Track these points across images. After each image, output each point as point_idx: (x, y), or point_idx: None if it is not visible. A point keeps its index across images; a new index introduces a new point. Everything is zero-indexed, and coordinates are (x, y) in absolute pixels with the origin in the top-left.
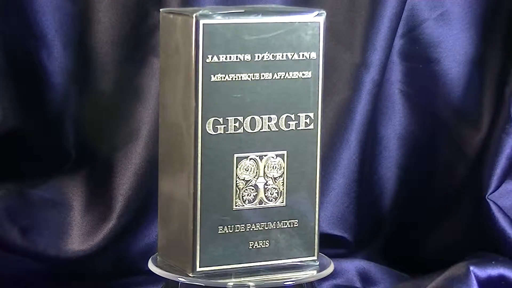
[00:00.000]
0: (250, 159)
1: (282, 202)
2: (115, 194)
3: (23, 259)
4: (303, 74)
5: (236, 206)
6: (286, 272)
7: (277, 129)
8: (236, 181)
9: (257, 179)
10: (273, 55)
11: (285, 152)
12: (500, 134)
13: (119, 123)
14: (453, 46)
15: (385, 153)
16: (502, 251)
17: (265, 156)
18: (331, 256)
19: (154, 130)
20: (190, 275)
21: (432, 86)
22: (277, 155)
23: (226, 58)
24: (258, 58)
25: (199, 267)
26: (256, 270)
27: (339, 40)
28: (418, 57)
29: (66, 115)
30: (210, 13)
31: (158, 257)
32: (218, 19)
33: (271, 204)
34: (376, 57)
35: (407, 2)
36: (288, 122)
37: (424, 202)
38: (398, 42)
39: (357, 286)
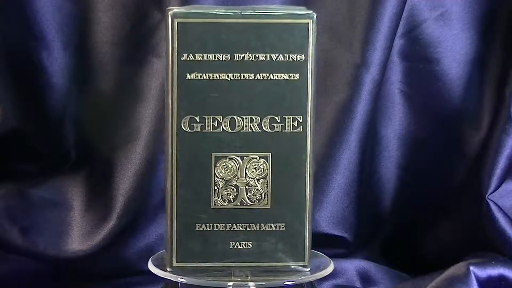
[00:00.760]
0: (230, 159)
1: (266, 205)
2: (115, 194)
3: (23, 259)
4: (289, 76)
5: (215, 205)
6: (271, 275)
7: (260, 131)
8: (215, 180)
9: (237, 179)
10: (255, 55)
11: (269, 154)
12: (500, 134)
13: (119, 123)
14: (453, 46)
15: (385, 153)
16: (502, 251)
17: (246, 156)
18: (331, 256)
19: (154, 130)
20: (168, 269)
21: (432, 86)
22: (260, 157)
23: (202, 57)
24: (238, 58)
25: (176, 262)
26: (237, 271)
27: (339, 40)
28: (418, 57)
29: (66, 115)
30: (187, 11)
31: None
32: (193, 18)
33: (254, 205)
34: (376, 57)
35: (407, 2)
36: (273, 124)
37: (424, 202)
38: (398, 42)
39: (357, 286)
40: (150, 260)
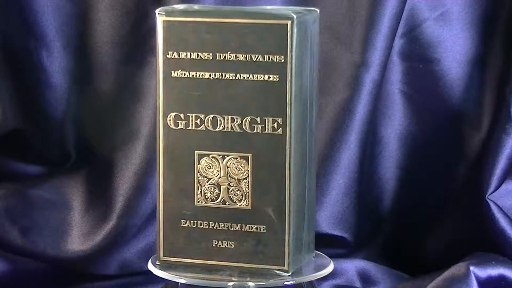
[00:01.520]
0: (212, 157)
1: (247, 206)
2: (115, 194)
3: (23, 259)
4: (269, 77)
5: (198, 202)
6: (251, 277)
7: (241, 131)
8: (198, 178)
9: (219, 178)
10: (235, 55)
11: (249, 155)
12: (500, 134)
13: (119, 123)
14: (453, 46)
15: (385, 153)
16: (502, 251)
17: (227, 156)
18: (331, 256)
19: (154, 130)
20: (157, 263)
21: (432, 86)
22: (241, 157)
23: (186, 55)
24: (219, 58)
25: (163, 256)
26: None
27: (339, 40)
28: (418, 57)
29: (66, 115)
30: (171, 10)
31: None
32: (178, 17)
33: (235, 205)
34: (376, 57)
35: (407, 2)
36: (253, 125)
37: (424, 202)
38: (398, 42)
39: (357, 286)
40: (150, 260)
